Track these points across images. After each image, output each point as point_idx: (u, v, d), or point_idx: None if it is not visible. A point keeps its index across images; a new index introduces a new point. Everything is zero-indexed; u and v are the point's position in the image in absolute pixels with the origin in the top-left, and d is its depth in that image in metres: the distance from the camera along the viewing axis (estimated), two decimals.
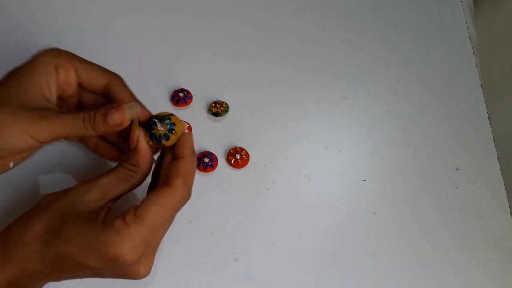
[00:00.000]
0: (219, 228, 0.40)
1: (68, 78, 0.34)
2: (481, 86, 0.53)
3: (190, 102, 0.46)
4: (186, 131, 0.32)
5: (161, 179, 0.32)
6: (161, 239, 0.31)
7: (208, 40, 0.51)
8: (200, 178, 0.42)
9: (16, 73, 0.32)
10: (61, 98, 0.35)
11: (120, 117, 0.31)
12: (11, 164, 0.32)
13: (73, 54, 0.34)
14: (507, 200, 0.46)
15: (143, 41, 0.49)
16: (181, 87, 0.46)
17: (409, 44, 0.55)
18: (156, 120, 0.32)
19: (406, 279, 0.41)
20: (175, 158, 0.31)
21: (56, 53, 0.33)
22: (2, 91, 0.31)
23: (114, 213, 0.29)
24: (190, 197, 0.31)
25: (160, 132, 0.32)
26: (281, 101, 0.48)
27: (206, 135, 0.44)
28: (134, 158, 0.31)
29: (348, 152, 0.46)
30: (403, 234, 0.43)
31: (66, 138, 0.38)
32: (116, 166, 0.32)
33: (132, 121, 0.32)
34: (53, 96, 0.33)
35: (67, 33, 0.48)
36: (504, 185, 0.47)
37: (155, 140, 0.32)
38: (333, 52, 0.53)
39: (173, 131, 0.32)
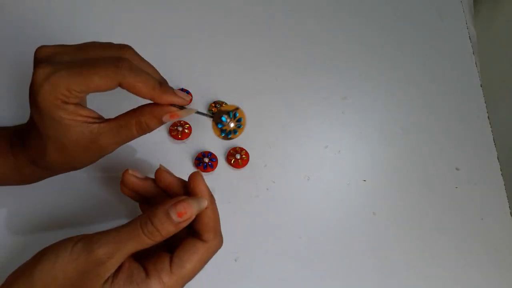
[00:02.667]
0: None
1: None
2: (481, 86, 0.53)
3: (190, 102, 0.46)
4: (196, 170, 0.32)
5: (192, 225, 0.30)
6: None
7: (208, 41, 0.51)
8: None
9: None
10: None
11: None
12: None
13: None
14: (507, 200, 0.46)
15: (143, 41, 0.49)
16: (181, 87, 0.46)
17: (409, 44, 0.55)
18: (226, 117, 0.34)
19: (406, 279, 0.41)
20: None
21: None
22: None
23: (132, 260, 0.28)
24: (223, 243, 0.31)
25: (231, 128, 0.34)
26: (281, 101, 0.48)
27: (206, 135, 0.44)
28: (169, 231, 0.28)
29: (348, 152, 0.46)
30: (403, 234, 0.43)
31: None
32: (136, 229, 0.28)
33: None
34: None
35: (68, 33, 0.48)
36: (504, 185, 0.47)
37: (225, 135, 0.34)
38: (333, 52, 0.53)
39: (241, 126, 0.34)
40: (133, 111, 0.31)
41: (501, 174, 0.47)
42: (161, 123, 0.31)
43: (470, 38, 0.56)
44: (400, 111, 0.50)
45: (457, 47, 0.56)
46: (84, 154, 0.31)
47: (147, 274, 0.28)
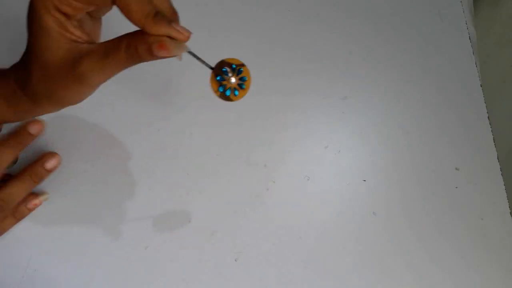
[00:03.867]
0: (219, 228, 0.40)
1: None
2: (481, 86, 0.53)
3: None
4: None
5: None
6: None
7: (207, 41, 0.51)
8: None
9: None
10: None
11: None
12: None
13: None
14: (507, 200, 0.46)
15: None
16: (180, 85, 0.46)
17: (409, 44, 0.55)
18: (229, 70, 0.29)
19: (406, 279, 0.41)
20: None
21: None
22: None
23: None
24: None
25: (231, 84, 0.29)
26: (281, 101, 0.48)
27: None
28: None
29: (348, 152, 0.46)
30: (403, 233, 0.43)
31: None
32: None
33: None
34: None
35: None
36: (504, 185, 0.47)
37: (223, 92, 0.29)
38: (333, 52, 0.53)
39: (244, 86, 0.29)
40: (126, 34, 0.28)
41: (501, 174, 0.47)
42: (152, 54, 0.28)
43: (470, 38, 0.56)
44: (400, 111, 0.50)
45: (457, 47, 0.56)
46: (65, 80, 0.29)
47: None
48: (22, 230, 0.39)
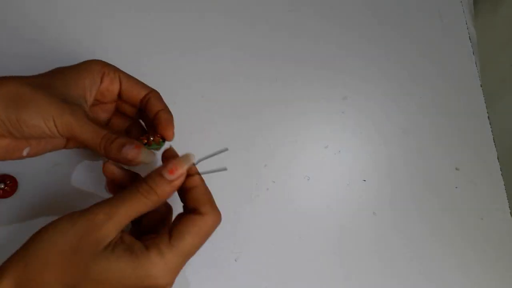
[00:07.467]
0: (219, 228, 0.40)
1: (111, 87, 0.36)
2: (481, 86, 0.53)
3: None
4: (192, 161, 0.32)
5: (187, 204, 0.32)
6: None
7: (205, 36, 0.51)
8: None
9: (62, 72, 0.34)
10: (98, 103, 0.37)
11: (134, 156, 0.32)
12: (25, 152, 0.33)
13: (118, 68, 0.36)
14: (507, 200, 0.46)
15: (142, 45, 0.49)
16: (178, 90, 0.46)
17: (409, 44, 0.55)
18: (142, 138, 0.35)
19: (406, 279, 0.41)
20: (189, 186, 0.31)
21: (104, 63, 0.36)
22: (47, 79, 0.33)
23: (134, 238, 0.29)
24: (221, 218, 0.31)
25: (153, 140, 0.35)
26: (281, 101, 0.48)
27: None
28: (164, 190, 0.30)
29: (348, 152, 0.46)
30: (403, 234, 0.43)
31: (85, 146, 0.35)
32: (132, 191, 0.29)
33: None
34: (91, 99, 0.35)
35: (67, 34, 0.48)
36: (504, 185, 0.47)
37: (152, 147, 0.35)
38: (333, 52, 0.53)
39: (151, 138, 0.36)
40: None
41: (501, 174, 0.47)
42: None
43: (470, 38, 0.56)
44: (400, 111, 0.50)
45: (457, 47, 0.56)
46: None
47: (146, 247, 0.28)
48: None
